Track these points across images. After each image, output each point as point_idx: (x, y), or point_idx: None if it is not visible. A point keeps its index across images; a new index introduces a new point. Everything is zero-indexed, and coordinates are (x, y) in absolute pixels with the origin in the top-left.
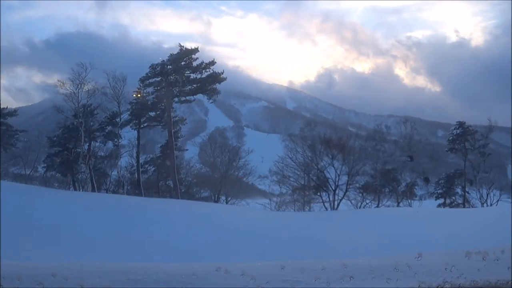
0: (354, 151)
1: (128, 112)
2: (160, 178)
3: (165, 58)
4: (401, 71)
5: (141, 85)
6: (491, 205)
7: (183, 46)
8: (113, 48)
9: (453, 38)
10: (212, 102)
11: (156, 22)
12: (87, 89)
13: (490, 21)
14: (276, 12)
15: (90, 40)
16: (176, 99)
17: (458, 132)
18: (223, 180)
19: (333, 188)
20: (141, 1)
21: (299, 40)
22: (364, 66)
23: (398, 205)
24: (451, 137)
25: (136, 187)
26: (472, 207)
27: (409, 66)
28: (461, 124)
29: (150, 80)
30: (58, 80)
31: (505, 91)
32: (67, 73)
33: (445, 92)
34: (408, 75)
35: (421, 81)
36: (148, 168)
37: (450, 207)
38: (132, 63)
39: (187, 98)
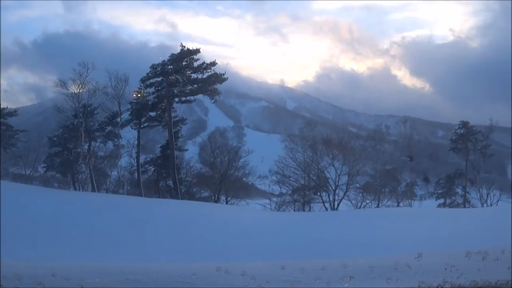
0: (354, 151)
1: (128, 112)
2: (160, 178)
3: (166, 58)
4: (397, 71)
5: (142, 85)
6: (491, 205)
7: (184, 46)
8: (109, 47)
9: (448, 38)
10: (213, 103)
11: (153, 21)
12: (87, 89)
13: (482, 21)
14: (272, 12)
15: (79, 39)
16: (176, 99)
17: (461, 132)
18: (223, 180)
19: (333, 188)
20: (137, 1)
21: (296, 40)
22: (361, 66)
23: (398, 205)
24: (454, 137)
25: (136, 187)
26: (472, 207)
27: (404, 66)
28: (464, 124)
29: (151, 80)
30: (59, 80)
31: (495, 91)
32: (52, 73)
33: (439, 92)
34: (404, 75)
35: (416, 81)
36: (148, 168)
37: (450, 207)
38: (131, 62)
39: (188, 98)
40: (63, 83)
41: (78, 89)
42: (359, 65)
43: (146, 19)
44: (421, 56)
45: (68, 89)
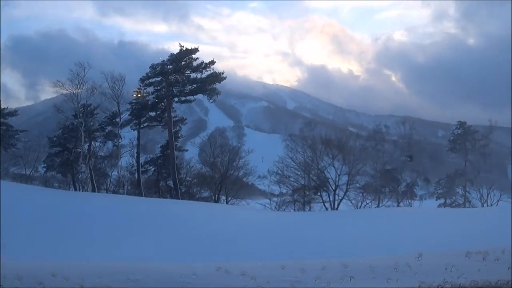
0: (354, 151)
1: (128, 112)
2: (160, 178)
3: (165, 58)
4: (388, 70)
5: (141, 85)
6: (491, 205)
7: (183, 46)
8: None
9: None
10: (212, 102)
11: (143, 21)
12: (85, 89)
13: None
14: (264, 11)
15: (51, 40)
16: (176, 99)
17: (459, 132)
18: (223, 180)
19: (333, 188)
20: (127, 1)
21: (288, 39)
22: (353, 65)
23: (398, 205)
24: (452, 137)
25: (136, 187)
26: (472, 207)
27: (396, 66)
28: (462, 124)
29: (150, 80)
30: (58, 80)
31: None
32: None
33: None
34: (396, 75)
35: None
36: (148, 168)
37: (451, 207)
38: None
39: (187, 98)
40: (61, 84)
41: (77, 89)
42: (351, 64)
43: (140, 18)
44: (408, 55)
45: (67, 89)
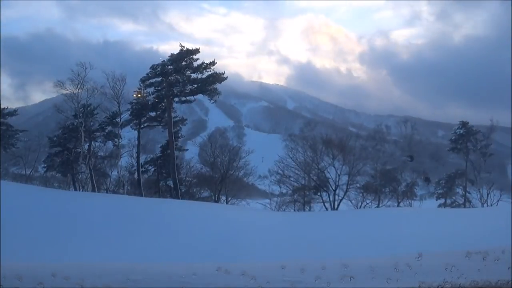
0: (355, 151)
1: (128, 112)
2: (160, 178)
3: (165, 58)
4: (384, 70)
5: (142, 85)
6: (491, 205)
7: (183, 46)
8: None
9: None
10: (213, 103)
11: (136, 21)
12: (86, 89)
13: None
14: (260, 10)
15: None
16: (176, 99)
17: (461, 132)
18: (223, 180)
19: (334, 188)
20: (119, 0)
21: (283, 38)
22: (349, 65)
23: (398, 205)
24: (454, 137)
25: (136, 187)
26: (472, 207)
27: (391, 66)
28: (464, 124)
29: (151, 80)
30: (58, 80)
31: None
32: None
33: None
34: (391, 74)
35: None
36: (148, 168)
37: (451, 207)
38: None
39: (188, 98)
40: (61, 84)
41: (77, 89)
42: (346, 64)
43: (134, 17)
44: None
45: (68, 89)
